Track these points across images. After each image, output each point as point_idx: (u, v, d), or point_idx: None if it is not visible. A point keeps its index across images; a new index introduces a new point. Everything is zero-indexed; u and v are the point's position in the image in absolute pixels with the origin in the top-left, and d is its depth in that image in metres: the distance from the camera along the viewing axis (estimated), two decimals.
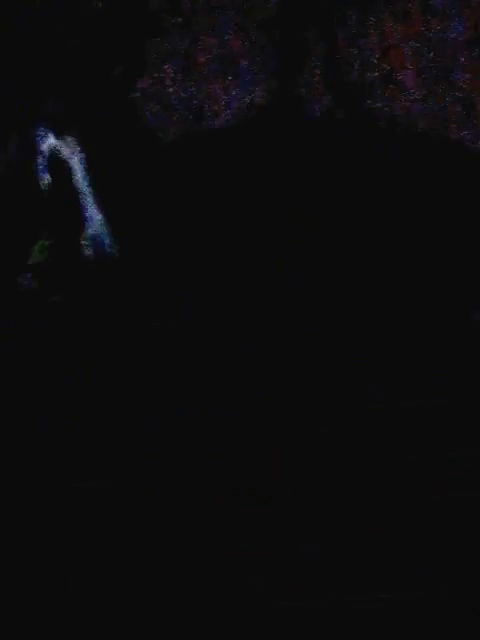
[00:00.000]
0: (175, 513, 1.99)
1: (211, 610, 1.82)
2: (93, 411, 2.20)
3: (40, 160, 2.16)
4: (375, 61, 2.42)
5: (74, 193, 2.12)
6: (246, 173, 2.36)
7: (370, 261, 2.48)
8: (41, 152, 2.14)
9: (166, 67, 2.32)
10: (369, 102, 2.38)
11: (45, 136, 2.15)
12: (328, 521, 1.98)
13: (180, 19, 2.21)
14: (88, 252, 2.01)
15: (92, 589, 1.87)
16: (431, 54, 2.42)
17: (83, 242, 2.01)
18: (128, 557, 1.92)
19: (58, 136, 2.13)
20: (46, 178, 2.14)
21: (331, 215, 2.46)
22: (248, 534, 1.98)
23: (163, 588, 1.86)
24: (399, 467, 2.09)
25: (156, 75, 2.31)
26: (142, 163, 2.19)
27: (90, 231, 2.00)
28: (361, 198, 2.45)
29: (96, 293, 2.16)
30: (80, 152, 2.10)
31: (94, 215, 2.01)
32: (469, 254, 2.45)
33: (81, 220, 2.06)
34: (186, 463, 2.08)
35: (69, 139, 2.12)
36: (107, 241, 1.97)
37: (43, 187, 2.12)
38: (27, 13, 2.15)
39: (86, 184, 2.11)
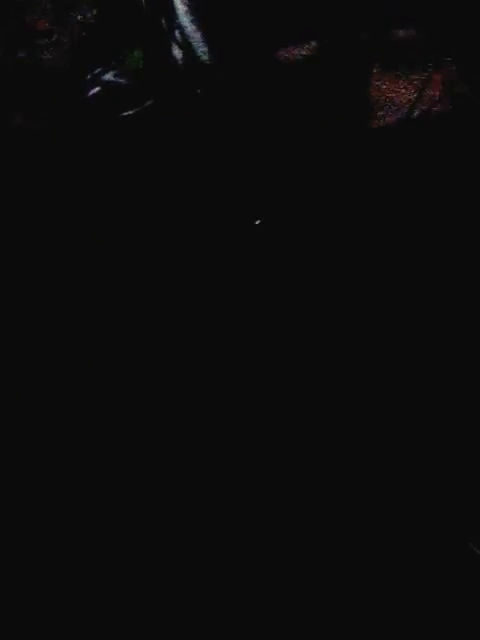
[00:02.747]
0: None
1: None
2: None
3: None
4: None
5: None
6: None
7: None
8: None
9: None
10: None
11: None
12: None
13: None
14: (178, 58, 2.03)
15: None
16: None
17: (173, 48, 2.02)
18: None
19: None
20: None
21: None
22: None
23: None
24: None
25: None
26: None
27: (179, 36, 2.01)
28: None
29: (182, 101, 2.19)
30: None
31: (185, 19, 2.02)
32: None
33: (172, 26, 2.08)
34: None
35: None
36: (199, 47, 1.97)
37: None
38: None
39: None
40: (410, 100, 2.50)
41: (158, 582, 1.91)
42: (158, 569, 1.92)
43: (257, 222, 2.23)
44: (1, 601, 1.87)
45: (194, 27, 2.17)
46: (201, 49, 2.16)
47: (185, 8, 2.16)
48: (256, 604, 1.87)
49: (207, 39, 2.17)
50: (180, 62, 2.17)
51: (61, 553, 1.95)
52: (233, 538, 1.96)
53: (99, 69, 2.23)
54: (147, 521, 1.99)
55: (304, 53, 2.46)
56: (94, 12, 2.27)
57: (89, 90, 2.24)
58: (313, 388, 2.12)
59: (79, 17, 2.28)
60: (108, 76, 2.23)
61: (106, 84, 2.24)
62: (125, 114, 2.22)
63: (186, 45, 2.16)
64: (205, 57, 2.15)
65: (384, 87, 2.50)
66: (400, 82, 2.49)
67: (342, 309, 2.22)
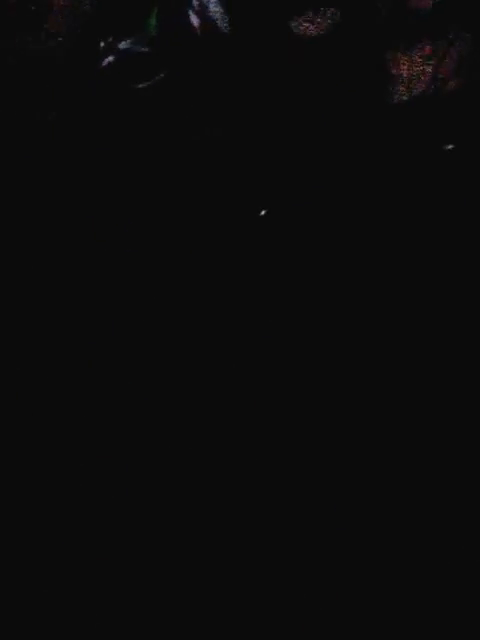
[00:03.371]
0: None
1: None
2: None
3: None
4: None
5: None
6: None
7: None
8: None
9: None
10: None
11: None
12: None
13: None
14: (196, 26, 1.98)
15: None
16: None
17: (191, 16, 1.96)
18: None
19: None
20: None
21: None
22: None
23: None
24: None
25: None
26: None
27: (197, 4, 1.95)
28: None
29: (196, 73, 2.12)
30: None
31: None
32: None
33: None
34: None
35: None
36: (217, 15, 1.92)
37: None
38: None
39: None
40: (426, 75, 2.48)
41: (158, 581, 1.90)
42: (158, 568, 1.92)
43: (262, 213, 2.21)
44: (1, 601, 1.86)
45: None
46: (219, 18, 2.13)
47: None
48: (256, 603, 1.87)
49: (226, 8, 2.13)
50: (197, 31, 2.14)
51: (61, 553, 1.93)
52: (233, 538, 1.95)
53: (113, 37, 2.19)
54: (147, 520, 1.97)
55: (320, 27, 2.43)
56: None
57: (104, 59, 2.19)
58: (316, 385, 2.11)
59: None
60: (124, 44, 2.19)
61: (121, 53, 2.20)
62: (139, 86, 2.18)
63: (204, 13, 2.12)
64: (223, 26, 2.12)
65: (400, 62, 2.49)
66: (415, 56, 2.48)
67: (350, 304, 2.21)
